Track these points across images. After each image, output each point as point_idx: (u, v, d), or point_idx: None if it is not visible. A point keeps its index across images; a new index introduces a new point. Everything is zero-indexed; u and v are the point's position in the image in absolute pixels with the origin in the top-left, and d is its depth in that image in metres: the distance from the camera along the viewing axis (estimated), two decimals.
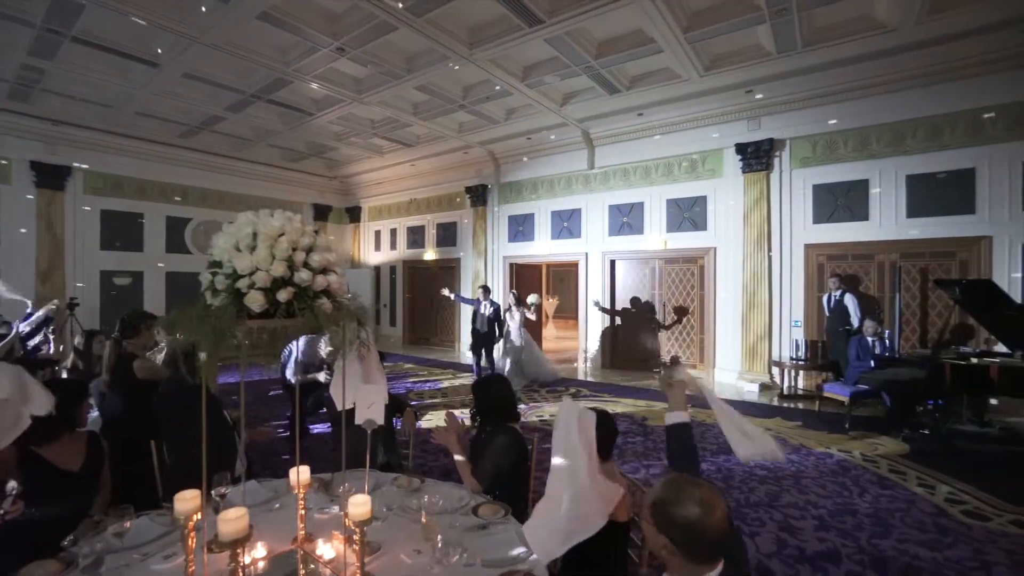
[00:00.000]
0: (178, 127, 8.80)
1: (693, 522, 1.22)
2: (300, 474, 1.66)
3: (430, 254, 11.63)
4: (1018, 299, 5.61)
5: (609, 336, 9.11)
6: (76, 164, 8.95)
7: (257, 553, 1.66)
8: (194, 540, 1.40)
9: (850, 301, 6.71)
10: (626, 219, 8.83)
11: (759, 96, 7.09)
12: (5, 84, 7.01)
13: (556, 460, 1.78)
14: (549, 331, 12.55)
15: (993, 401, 5.83)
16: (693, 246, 8.23)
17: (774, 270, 7.44)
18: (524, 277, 10.36)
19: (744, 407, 6.35)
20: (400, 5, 5.02)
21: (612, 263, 9.11)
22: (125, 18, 5.30)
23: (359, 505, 1.45)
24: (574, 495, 1.66)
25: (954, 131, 6.27)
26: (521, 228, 10.14)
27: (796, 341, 7.23)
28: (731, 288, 7.84)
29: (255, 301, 1.39)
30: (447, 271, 11.31)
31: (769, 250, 7.44)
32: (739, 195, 7.68)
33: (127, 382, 2.96)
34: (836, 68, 6.27)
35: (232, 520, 1.34)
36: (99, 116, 8.17)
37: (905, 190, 6.56)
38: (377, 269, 12.38)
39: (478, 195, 10.54)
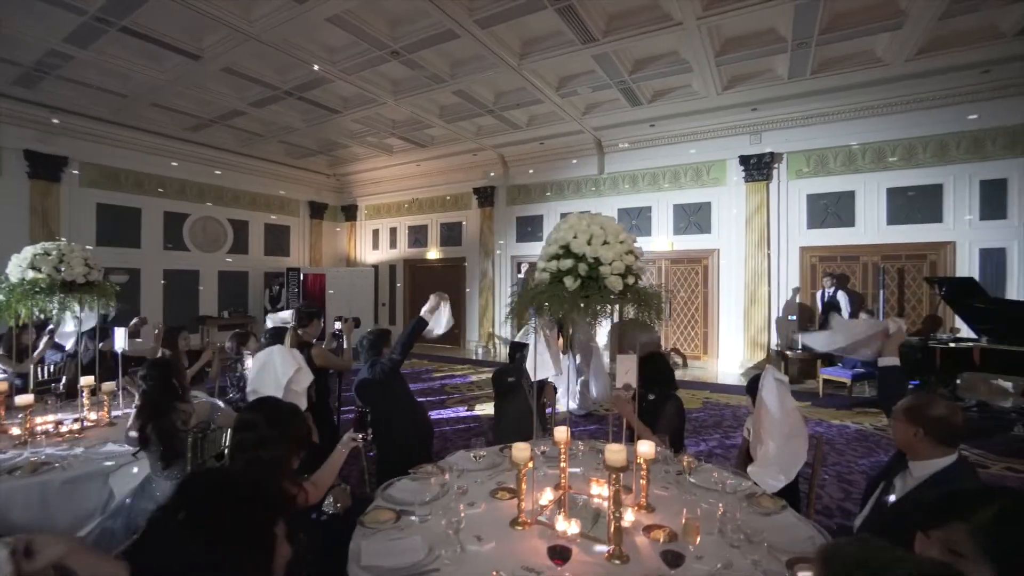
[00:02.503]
0: (190, 120, 8.59)
1: (944, 416, 1.74)
2: (563, 433, 2.01)
3: (434, 253, 11.83)
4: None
5: (616, 332, 9.69)
6: (72, 156, 8.52)
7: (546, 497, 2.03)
8: (526, 481, 1.80)
9: (842, 297, 7.64)
10: (635, 222, 9.48)
11: (762, 113, 7.92)
12: (17, 69, 6.67)
13: (768, 414, 2.29)
14: None
15: (958, 381, 6.88)
16: (698, 248, 8.99)
17: (772, 270, 8.31)
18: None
19: (732, 388, 7.12)
20: (472, 18, 5.36)
21: None
22: (183, 10, 5.29)
23: (615, 452, 1.68)
24: (785, 440, 2.20)
25: (926, 152, 7.34)
26: (530, 228, 10.58)
27: (794, 335, 8.11)
28: (733, 286, 8.65)
29: (615, 284, 1.77)
30: (452, 270, 11.55)
31: (768, 252, 8.30)
32: (741, 202, 8.50)
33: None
34: (833, 93, 7.19)
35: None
36: (112, 106, 7.86)
37: (886, 201, 7.58)
38: (376, 268, 12.40)
39: (486, 196, 10.88)
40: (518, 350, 3.59)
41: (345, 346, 3.52)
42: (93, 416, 3.06)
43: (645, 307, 1.90)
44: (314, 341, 3.39)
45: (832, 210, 7.95)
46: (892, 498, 1.86)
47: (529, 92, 7.38)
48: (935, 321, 7.38)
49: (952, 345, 5.76)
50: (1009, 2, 5.19)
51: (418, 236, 12.13)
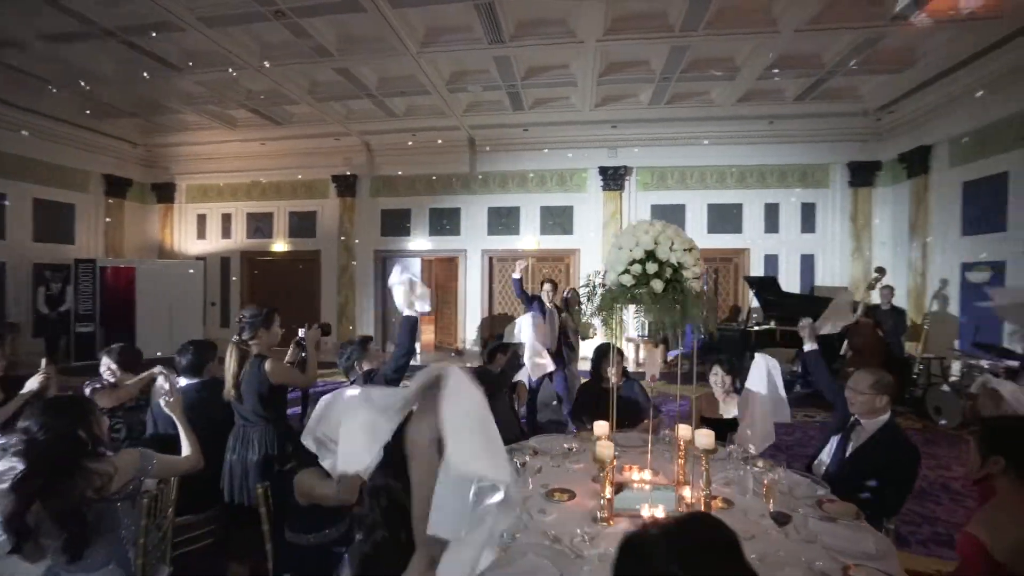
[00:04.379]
0: None
1: (891, 383, 2.37)
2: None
3: (281, 245, 10.47)
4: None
5: (487, 326, 10.00)
6: None
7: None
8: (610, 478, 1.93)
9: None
10: (504, 221, 9.88)
11: (620, 131, 9.04)
12: None
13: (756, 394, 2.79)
14: (426, 324, 12.66)
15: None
16: (561, 247, 9.81)
17: None
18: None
19: None
20: None
21: (490, 260, 10.04)
22: None
23: (705, 436, 1.97)
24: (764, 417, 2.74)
25: (732, 178, 9.31)
26: (396, 222, 10.15)
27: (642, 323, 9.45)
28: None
29: (695, 288, 1.95)
30: (305, 264, 10.40)
31: None
32: (599, 208, 9.56)
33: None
34: (677, 121, 8.61)
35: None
36: None
37: (706, 215, 9.39)
38: (204, 261, 10.42)
39: (347, 185, 10.07)
40: (499, 351, 3.49)
41: (309, 359, 2.98)
42: None
43: (709, 312, 2.12)
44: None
45: (669, 220, 9.47)
46: (851, 448, 2.46)
47: (418, 82, 7.12)
48: (736, 310, 9.44)
49: (760, 328, 7.48)
50: (798, 76, 6.96)
51: (261, 225, 10.58)
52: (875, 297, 7.07)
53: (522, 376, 4.00)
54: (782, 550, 1.70)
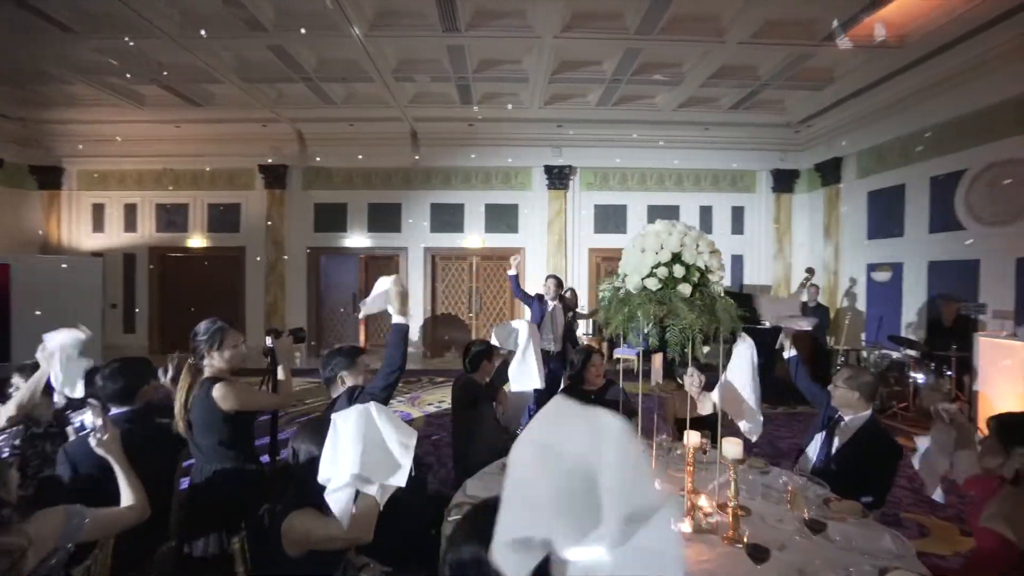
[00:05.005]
0: None
1: (871, 381, 2.48)
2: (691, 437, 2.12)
3: (198, 240, 9.41)
4: None
5: (429, 326, 9.67)
6: None
7: None
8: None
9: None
10: (447, 218, 9.58)
11: (565, 130, 9.07)
12: None
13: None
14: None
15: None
16: (506, 245, 9.69)
17: (569, 267, 9.63)
18: (337, 269, 9.74)
19: None
20: None
21: (433, 258, 9.70)
22: None
23: (733, 445, 1.92)
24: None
25: (670, 180, 9.70)
26: (332, 217, 9.50)
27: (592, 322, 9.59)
28: (538, 281, 9.64)
29: (719, 291, 1.90)
30: (227, 262, 9.43)
31: (565, 252, 9.59)
32: (544, 207, 9.57)
33: None
34: (623, 123, 8.78)
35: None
36: None
37: (647, 215, 9.70)
38: (103, 257, 9.10)
39: (277, 176, 9.27)
40: (485, 358, 3.24)
41: (281, 374, 2.57)
42: None
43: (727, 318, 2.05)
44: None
45: (612, 219, 9.72)
46: (836, 443, 2.56)
47: (361, 67, 6.65)
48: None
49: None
50: (735, 87, 7.34)
51: (174, 218, 9.45)
52: (803, 295, 7.65)
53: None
54: (817, 558, 1.68)
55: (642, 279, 1.92)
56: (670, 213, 9.68)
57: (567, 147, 9.40)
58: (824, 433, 2.63)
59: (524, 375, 2.84)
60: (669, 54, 6.37)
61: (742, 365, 2.81)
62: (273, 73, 6.86)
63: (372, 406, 1.56)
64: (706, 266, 1.91)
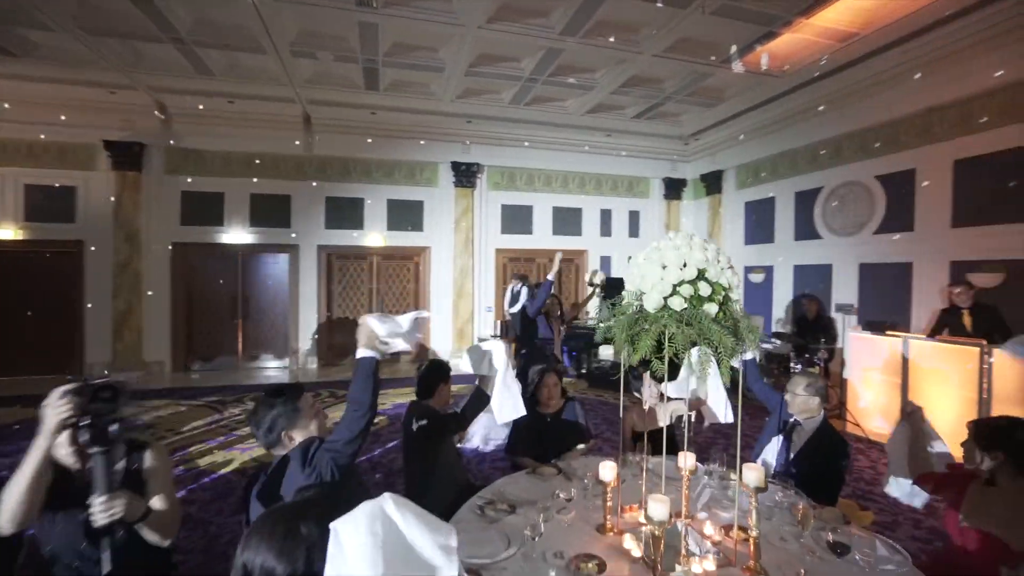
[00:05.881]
0: None
1: (825, 386, 2.64)
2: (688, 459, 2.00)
3: (10, 231, 7.40)
4: None
5: (324, 332, 8.78)
6: None
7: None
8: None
9: (524, 291, 9.36)
10: (345, 213, 8.76)
11: (475, 126, 8.80)
12: None
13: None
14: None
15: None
16: (410, 244, 9.17)
17: (476, 267, 9.40)
18: (212, 268, 8.34)
19: (464, 378, 7.95)
20: None
21: (328, 257, 8.81)
22: None
23: (755, 472, 1.81)
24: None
25: (574, 183, 9.94)
26: (205, 208, 8.13)
27: (493, 322, 9.46)
28: (444, 281, 9.29)
29: (736, 311, 1.81)
30: (57, 258, 7.57)
31: (472, 252, 9.34)
32: (451, 205, 9.21)
33: None
34: (532, 124, 8.76)
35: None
36: None
37: (552, 216, 9.84)
38: None
39: (130, 156, 7.64)
40: (441, 381, 2.80)
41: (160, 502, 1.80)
42: None
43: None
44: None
45: (519, 219, 9.69)
46: (795, 446, 2.69)
47: (251, 35, 5.72)
48: (577, 308, 10.14)
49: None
50: (642, 97, 7.72)
51: None
52: None
53: (479, 431, 3.38)
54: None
55: (665, 298, 1.76)
56: (573, 216, 9.95)
57: (476, 144, 9.15)
58: (782, 437, 2.75)
59: (509, 404, 2.49)
60: (587, 59, 6.44)
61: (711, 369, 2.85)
62: (131, 27, 5.58)
63: (387, 501, 0.94)
64: (728, 284, 1.81)
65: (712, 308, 1.74)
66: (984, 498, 1.81)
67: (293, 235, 8.51)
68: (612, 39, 5.79)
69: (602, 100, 7.83)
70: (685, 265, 1.76)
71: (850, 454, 2.63)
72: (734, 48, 6.02)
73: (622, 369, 2.10)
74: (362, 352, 1.82)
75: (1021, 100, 5.34)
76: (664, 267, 1.79)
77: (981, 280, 5.43)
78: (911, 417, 2.33)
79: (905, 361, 4.88)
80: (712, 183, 9.74)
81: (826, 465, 2.55)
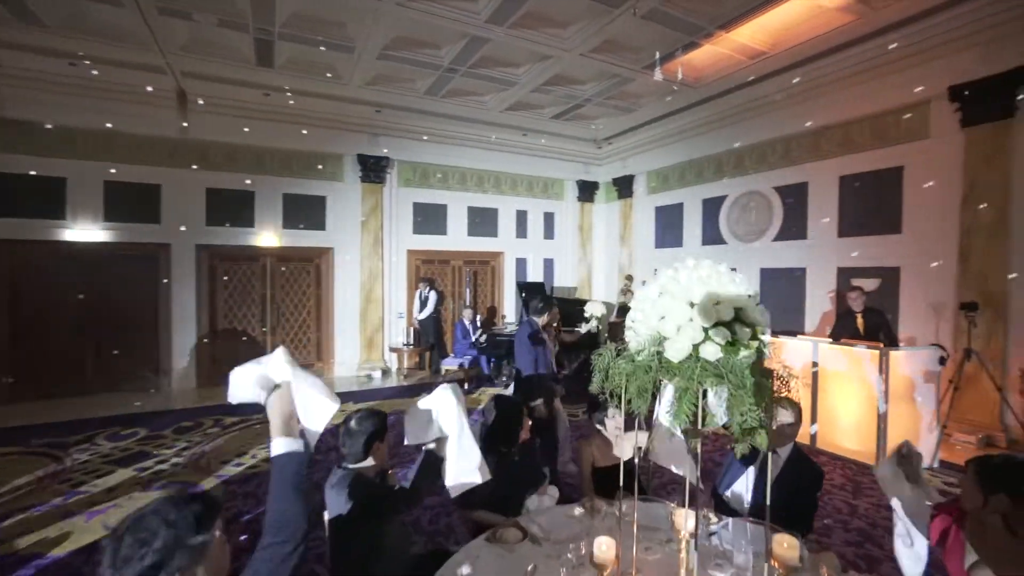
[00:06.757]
0: None
1: (796, 421, 2.55)
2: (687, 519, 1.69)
3: None
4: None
5: (207, 343, 7.49)
6: None
7: None
8: None
9: (432, 296, 8.77)
10: (232, 208, 7.55)
11: (385, 117, 8.05)
12: None
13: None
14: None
15: None
16: (311, 245, 8.18)
17: (386, 270, 8.65)
18: (45, 273, 6.66)
19: (375, 394, 7.29)
20: None
21: (211, 258, 7.52)
22: None
23: (788, 546, 1.55)
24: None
25: (489, 183, 9.58)
26: (42, 197, 6.47)
27: (405, 329, 8.78)
28: (350, 286, 8.42)
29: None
30: None
31: (382, 253, 8.58)
32: (357, 202, 8.37)
33: None
34: (447, 118, 8.22)
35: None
36: None
37: (467, 217, 9.38)
38: None
39: None
40: (376, 439, 2.06)
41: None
42: None
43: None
44: None
45: (431, 219, 9.10)
46: (769, 476, 2.56)
47: None
48: (493, 311, 9.85)
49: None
50: (562, 96, 7.55)
51: None
52: (625, 299, 8.41)
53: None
54: None
55: (695, 345, 1.43)
56: (489, 216, 9.60)
57: (386, 136, 8.39)
58: (755, 468, 2.62)
59: (466, 468, 1.95)
60: (512, 53, 6.09)
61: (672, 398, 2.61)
62: None
63: None
64: (758, 325, 1.53)
65: (747, 352, 1.45)
66: (1011, 549, 1.73)
67: (163, 232, 7.12)
68: (540, 33, 5.49)
69: (522, 98, 7.54)
70: (719, 303, 1.45)
71: (823, 479, 2.56)
72: (657, 55, 6.05)
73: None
74: (279, 442, 1.25)
75: (888, 127, 6.00)
76: (691, 305, 1.47)
77: (865, 285, 6.01)
78: (905, 459, 2.16)
79: (815, 364, 5.21)
80: (624, 187, 9.95)
81: (801, 494, 2.45)
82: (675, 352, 1.44)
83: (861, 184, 6.32)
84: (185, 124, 7.04)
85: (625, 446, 2.95)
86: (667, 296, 1.53)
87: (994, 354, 5.01)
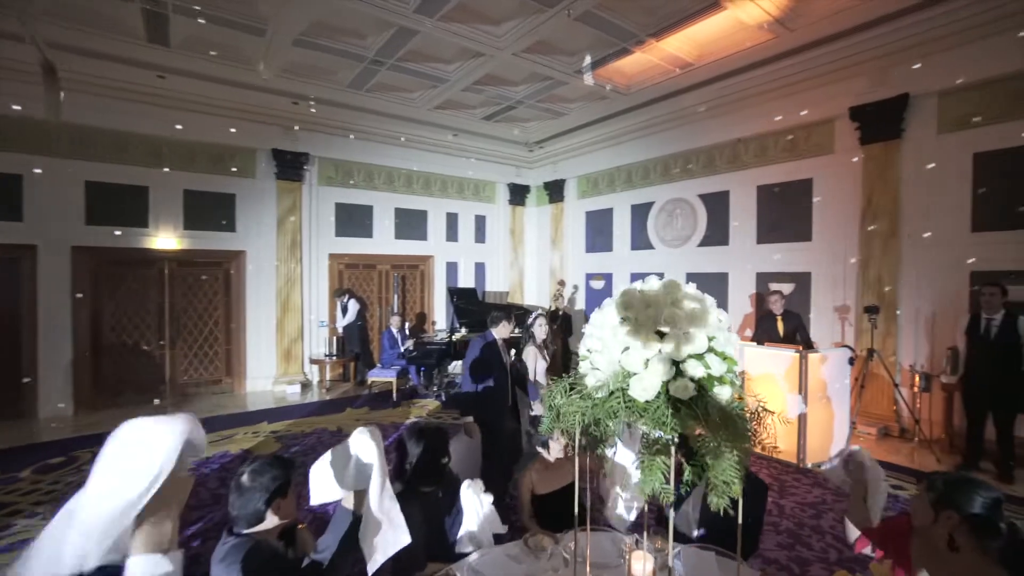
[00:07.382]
0: None
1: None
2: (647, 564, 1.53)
3: None
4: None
5: (88, 361, 6.46)
6: None
7: None
8: None
9: (352, 304, 8.20)
10: (120, 204, 6.58)
11: (302, 109, 7.41)
12: None
13: None
14: None
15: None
16: (218, 248, 7.35)
17: (305, 275, 7.99)
18: None
19: (294, 411, 6.70)
20: None
21: (92, 261, 6.50)
22: None
23: None
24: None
25: (417, 183, 9.18)
26: None
27: (328, 339, 8.17)
28: (265, 293, 7.68)
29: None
30: None
31: (300, 257, 7.91)
32: (273, 201, 7.65)
33: None
34: (371, 114, 7.73)
35: None
36: None
37: (394, 218, 8.92)
38: None
39: None
40: (279, 495, 1.65)
41: None
42: None
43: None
44: None
45: (356, 221, 8.54)
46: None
47: None
48: (423, 318, 9.46)
49: (461, 337, 7.62)
50: (493, 97, 7.36)
51: None
52: (558, 303, 8.34)
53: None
54: None
55: (665, 383, 1.25)
56: (418, 218, 9.22)
57: (305, 131, 7.74)
58: (701, 486, 2.54)
59: (389, 536, 1.56)
60: (442, 48, 5.79)
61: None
62: None
63: None
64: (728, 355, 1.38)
65: (723, 392, 1.30)
66: (950, 566, 1.73)
67: (27, 232, 6.05)
68: (472, 28, 5.25)
69: (452, 96, 7.26)
70: (689, 332, 1.29)
71: (767, 493, 2.54)
72: (588, 59, 6.03)
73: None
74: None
75: (799, 141, 6.40)
76: (663, 335, 1.30)
77: (783, 289, 6.37)
78: (851, 463, 2.18)
79: (742, 369, 5.40)
80: (555, 191, 9.95)
81: (747, 510, 2.41)
82: (642, 391, 1.26)
83: (777, 194, 6.69)
84: (57, 104, 6.00)
85: (553, 447, 2.78)
86: (631, 324, 1.35)
87: (888, 353, 5.48)
